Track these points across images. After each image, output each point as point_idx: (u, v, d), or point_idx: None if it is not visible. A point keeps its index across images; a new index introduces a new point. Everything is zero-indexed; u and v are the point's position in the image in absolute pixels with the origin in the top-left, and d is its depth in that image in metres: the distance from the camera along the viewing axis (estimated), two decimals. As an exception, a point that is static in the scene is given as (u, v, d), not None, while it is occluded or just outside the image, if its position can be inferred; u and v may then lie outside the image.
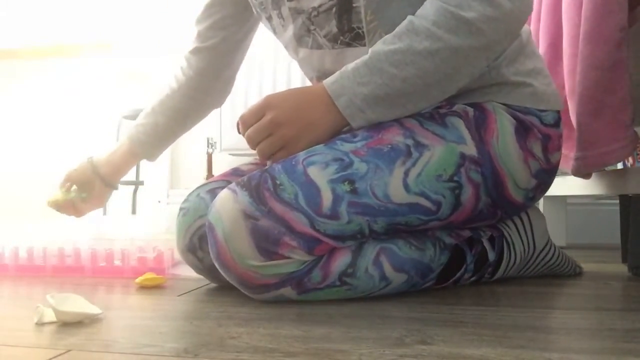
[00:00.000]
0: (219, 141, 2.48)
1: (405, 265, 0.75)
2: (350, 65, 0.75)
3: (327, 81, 0.75)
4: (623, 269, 1.02)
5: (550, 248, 0.92)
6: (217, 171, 2.28)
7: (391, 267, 0.74)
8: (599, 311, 0.68)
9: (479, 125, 0.79)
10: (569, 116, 1.06)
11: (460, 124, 0.78)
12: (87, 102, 3.04)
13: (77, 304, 0.63)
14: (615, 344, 0.52)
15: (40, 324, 0.60)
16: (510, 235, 0.87)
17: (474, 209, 0.79)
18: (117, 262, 1.00)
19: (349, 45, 0.82)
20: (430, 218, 0.76)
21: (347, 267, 0.72)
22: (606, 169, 1.12)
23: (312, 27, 0.84)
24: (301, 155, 0.73)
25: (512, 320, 0.62)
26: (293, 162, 0.72)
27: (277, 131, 0.74)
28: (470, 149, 0.77)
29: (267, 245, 0.69)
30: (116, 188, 1.11)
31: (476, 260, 0.82)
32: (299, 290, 0.72)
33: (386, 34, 0.78)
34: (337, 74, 0.75)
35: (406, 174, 0.73)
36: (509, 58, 0.82)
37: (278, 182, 0.70)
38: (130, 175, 2.67)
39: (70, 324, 0.60)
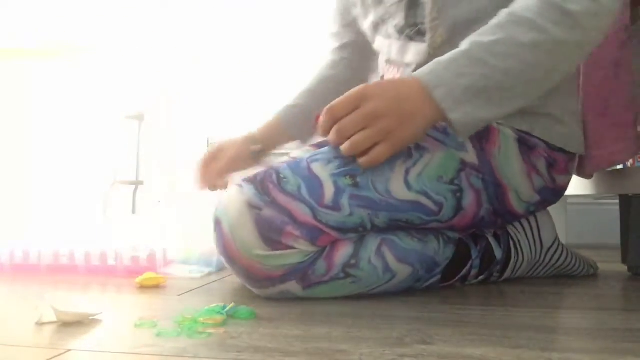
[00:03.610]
0: (219, 141, 2.48)
1: (408, 256, 0.76)
2: (445, 57, 0.71)
3: (419, 73, 0.71)
4: (623, 269, 1.02)
5: (558, 247, 0.91)
6: (217, 171, 2.28)
7: (394, 258, 0.75)
8: (599, 311, 0.68)
9: (481, 136, 0.79)
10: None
11: None
12: (88, 103, 3.04)
13: (77, 304, 0.63)
14: (615, 344, 0.52)
15: (40, 324, 0.60)
16: (516, 235, 0.87)
17: (475, 214, 0.80)
18: (111, 262, 1.00)
19: (411, 39, 0.85)
20: (431, 219, 0.77)
21: (350, 257, 0.73)
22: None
23: (386, 17, 0.87)
24: (305, 155, 0.75)
25: (512, 320, 0.62)
26: (298, 161, 0.74)
27: (376, 123, 0.69)
28: (471, 157, 0.78)
29: (271, 234, 0.69)
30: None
31: (482, 257, 0.83)
32: (304, 284, 0.72)
33: (446, 34, 0.79)
34: (429, 65, 0.71)
35: (407, 172, 0.74)
36: (561, 91, 0.82)
37: (282, 175, 0.72)
38: (130, 175, 2.67)
39: (70, 324, 0.60)
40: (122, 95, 2.92)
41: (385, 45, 0.90)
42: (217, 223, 0.72)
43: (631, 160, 1.36)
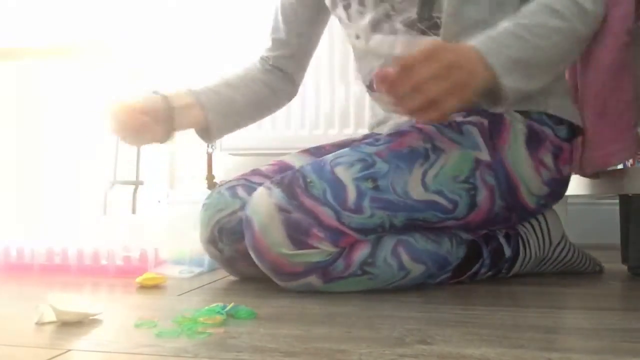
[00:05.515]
0: (219, 141, 2.48)
1: (422, 256, 0.80)
2: (488, 33, 0.75)
3: (470, 42, 0.74)
4: (623, 269, 1.02)
5: (565, 244, 0.94)
6: (217, 171, 2.28)
7: (409, 257, 0.79)
8: (599, 311, 0.68)
9: (493, 134, 0.83)
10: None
11: (475, 132, 0.82)
12: (87, 102, 3.04)
13: (77, 304, 0.63)
14: (615, 344, 0.52)
15: (40, 324, 0.60)
16: (526, 234, 0.90)
17: (489, 211, 0.83)
18: (103, 262, 0.99)
19: (423, 33, 0.86)
20: (447, 216, 0.81)
21: (367, 257, 0.77)
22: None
23: (392, 13, 0.88)
24: (329, 157, 0.79)
25: (512, 320, 0.62)
26: (322, 164, 0.78)
27: (452, 75, 0.69)
28: (484, 155, 0.81)
29: (298, 236, 0.75)
30: (173, 137, 0.95)
31: (492, 256, 0.86)
32: (324, 279, 0.77)
33: (460, 28, 0.82)
34: (477, 37, 0.75)
35: (424, 174, 0.79)
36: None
37: (309, 180, 0.76)
38: (130, 175, 2.67)
39: (70, 324, 0.60)
40: (122, 94, 2.91)
41: (387, 42, 0.90)
42: (248, 221, 0.78)
43: (631, 160, 1.36)
